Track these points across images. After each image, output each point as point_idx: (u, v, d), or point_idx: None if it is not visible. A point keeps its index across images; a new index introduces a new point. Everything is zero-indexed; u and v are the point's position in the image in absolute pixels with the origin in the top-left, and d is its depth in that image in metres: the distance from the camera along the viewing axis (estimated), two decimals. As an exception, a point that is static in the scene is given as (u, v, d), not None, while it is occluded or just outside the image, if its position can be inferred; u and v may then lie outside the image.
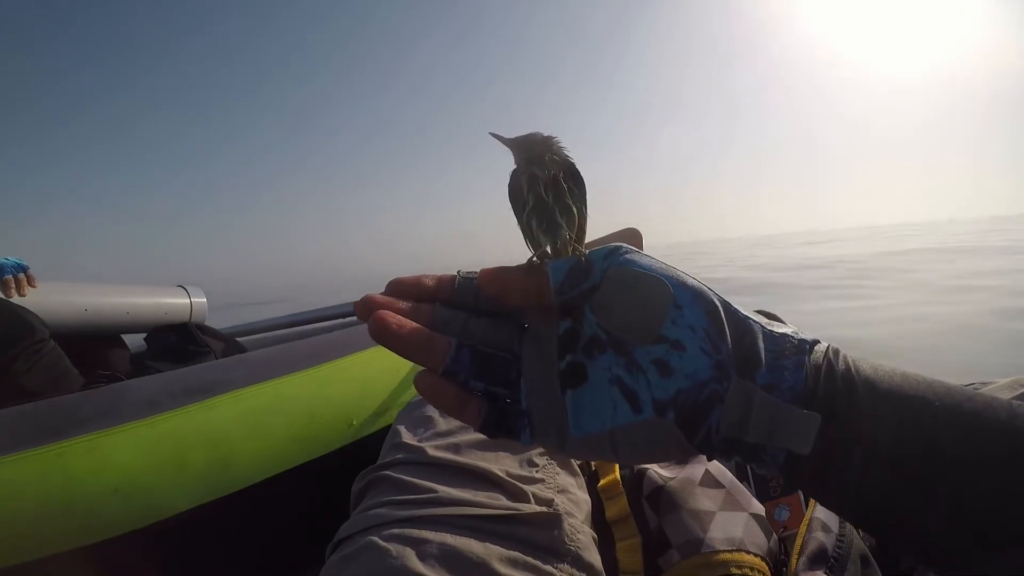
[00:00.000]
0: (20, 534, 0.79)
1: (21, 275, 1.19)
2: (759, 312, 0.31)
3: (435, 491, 0.43)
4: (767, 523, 0.48)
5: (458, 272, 0.31)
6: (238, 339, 1.36)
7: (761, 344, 0.26)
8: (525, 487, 0.46)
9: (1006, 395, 0.44)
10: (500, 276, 0.29)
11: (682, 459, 0.28)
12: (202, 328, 1.30)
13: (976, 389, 0.43)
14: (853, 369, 0.25)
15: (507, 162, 0.32)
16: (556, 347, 0.28)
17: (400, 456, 0.48)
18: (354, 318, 1.45)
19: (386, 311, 0.28)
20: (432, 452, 0.48)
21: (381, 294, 0.30)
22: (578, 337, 0.28)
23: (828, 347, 0.27)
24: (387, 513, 0.42)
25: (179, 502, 0.85)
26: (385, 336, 0.27)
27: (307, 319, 1.55)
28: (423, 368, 0.28)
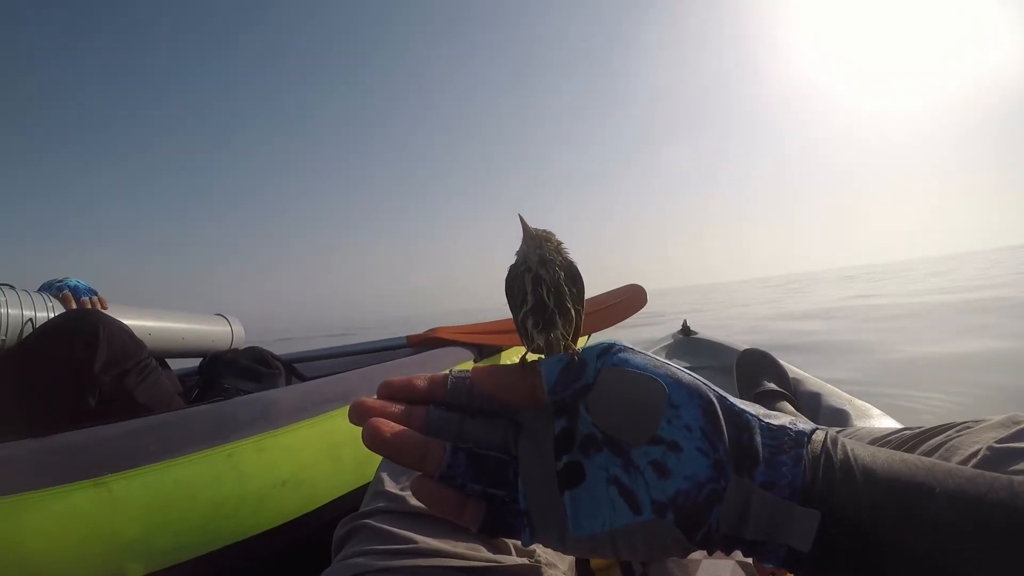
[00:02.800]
0: (195, 530, 0.88)
1: (95, 298, 1.21)
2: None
3: (414, 541, 0.43)
4: (754, 570, 0.48)
5: (450, 372, 0.31)
6: (294, 364, 1.45)
7: (759, 440, 0.26)
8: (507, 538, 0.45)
9: (999, 433, 0.46)
10: (493, 375, 0.29)
11: (681, 555, 0.27)
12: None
13: (968, 428, 0.49)
14: (852, 458, 0.25)
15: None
16: (552, 447, 0.28)
17: (381, 504, 0.48)
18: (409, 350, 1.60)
19: (379, 419, 0.28)
20: (413, 501, 0.47)
21: (374, 398, 0.30)
22: (574, 436, 0.27)
23: (827, 435, 0.27)
24: (366, 563, 0.42)
25: (335, 490, 0.99)
26: (380, 445, 0.27)
27: (357, 350, 1.67)
28: (419, 474, 0.29)
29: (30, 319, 1.08)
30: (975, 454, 0.44)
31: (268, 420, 0.98)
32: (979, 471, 0.25)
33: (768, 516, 0.25)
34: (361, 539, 0.45)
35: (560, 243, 0.32)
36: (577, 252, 0.33)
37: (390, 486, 0.50)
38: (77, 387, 1.02)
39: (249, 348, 1.40)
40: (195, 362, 1.47)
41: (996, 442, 0.44)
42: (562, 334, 0.31)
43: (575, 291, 0.31)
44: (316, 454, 0.99)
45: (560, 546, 0.28)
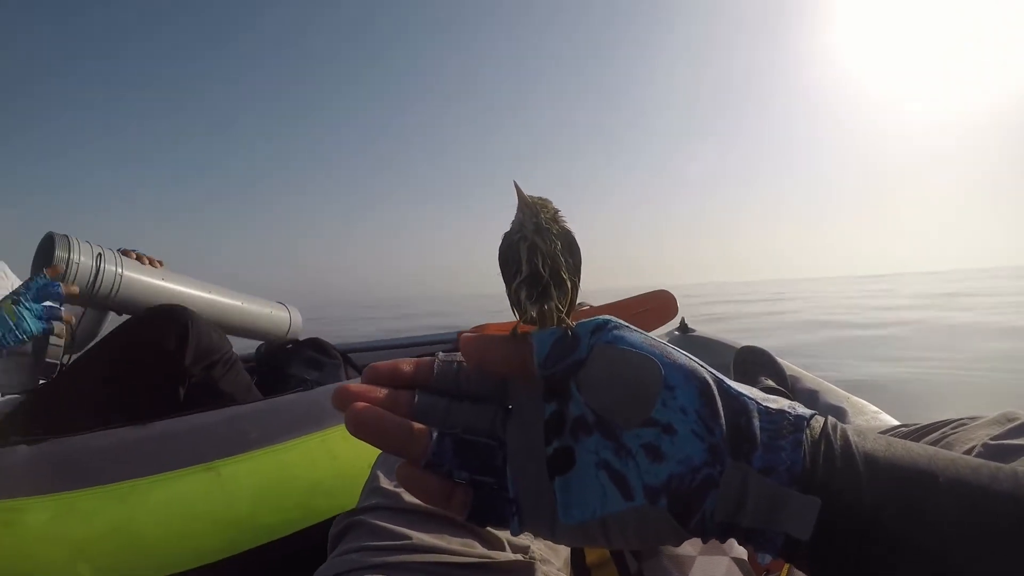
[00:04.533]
0: (297, 507, 0.98)
1: (148, 257, 1.28)
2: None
3: (409, 537, 0.43)
4: (748, 567, 0.48)
5: (437, 355, 0.31)
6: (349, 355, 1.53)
7: (757, 424, 0.25)
8: (501, 533, 0.46)
9: (994, 430, 0.45)
10: (482, 345, 0.28)
11: (675, 543, 0.26)
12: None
13: (964, 424, 0.50)
14: (853, 445, 0.25)
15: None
16: (542, 431, 0.27)
17: (376, 501, 0.48)
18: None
19: (362, 404, 0.27)
20: (408, 497, 0.46)
21: (358, 382, 0.29)
22: (564, 420, 0.27)
23: (826, 421, 0.26)
24: (360, 559, 0.42)
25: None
26: (362, 430, 0.27)
27: (408, 343, 1.74)
28: (404, 461, 0.28)
29: (98, 268, 1.13)
30: (970, 451, 0.45)
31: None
32: (982, 461, 0.25)
33: (766, 502, 0.24)
34: (356, 536, 0.45)
35: (557, 211, 0.30)
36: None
37: (385, 483, 0.49)
38: (169, 377, 1.10)
39: (311, 339, 1.47)
40: (249, 344, 1.55)
41: (991, 439, 0.45)
42: (557, 306, 0.30)
43: (571, 262, 0.30)
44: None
45: (550, 535, 0.27)
